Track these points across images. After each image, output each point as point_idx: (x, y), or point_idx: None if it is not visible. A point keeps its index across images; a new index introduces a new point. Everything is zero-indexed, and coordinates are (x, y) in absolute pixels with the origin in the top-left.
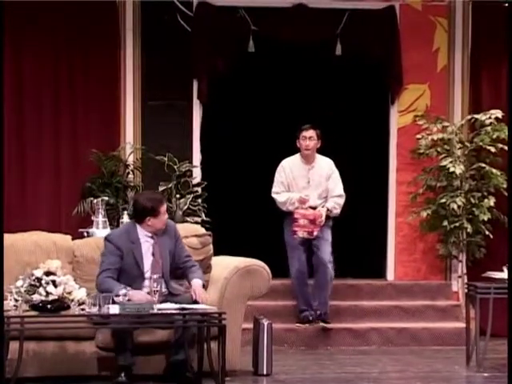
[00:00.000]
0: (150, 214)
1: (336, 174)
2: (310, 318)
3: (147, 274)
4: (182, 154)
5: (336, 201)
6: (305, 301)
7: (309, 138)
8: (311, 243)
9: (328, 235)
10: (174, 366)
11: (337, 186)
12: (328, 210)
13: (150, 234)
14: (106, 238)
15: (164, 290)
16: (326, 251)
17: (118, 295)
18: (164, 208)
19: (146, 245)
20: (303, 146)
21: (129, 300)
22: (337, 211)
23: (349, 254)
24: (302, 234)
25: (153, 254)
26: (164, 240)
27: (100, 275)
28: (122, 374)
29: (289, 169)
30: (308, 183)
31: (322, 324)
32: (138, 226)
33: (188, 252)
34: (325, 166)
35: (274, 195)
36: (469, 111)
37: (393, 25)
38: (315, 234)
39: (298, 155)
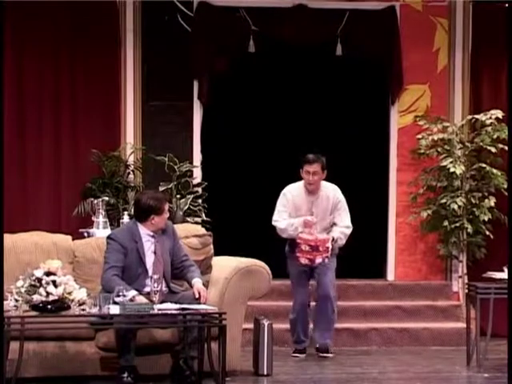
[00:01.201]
0: (154, 213)
1: (342, 203)
2: (306, 351)
3: (150, 272)
4: (182, 154)
5: (343, 231)
6: (304, 332)
7: (312, 173)
8: (314, 271)
9: (332, 264)
10: (179, 364)
11: (344, 218)
12: (333, 239)
13: (151, 233)
14: (110, 237)
15: (165, 288)
16: (328, 282)
17: (124, 295)
18: (167, 206)
19: (148, 244)
20: (306, 181)
21: (131, 301)
22: (342, 242)
23: (349, 255)
24: (304, 260)
25: (154, 253)
26: (164, 239)
27: (106, 273)
28: (125, 374)
29: (291, 196)
30: (312, 217)
31: (321, 354)
32: (139, 225)
33: (186, 252)
34: (330, 196)
35: (274, 223)
36: (469, 111)
37: (393, 25)
38: (317, 261)
39: (301, 184)
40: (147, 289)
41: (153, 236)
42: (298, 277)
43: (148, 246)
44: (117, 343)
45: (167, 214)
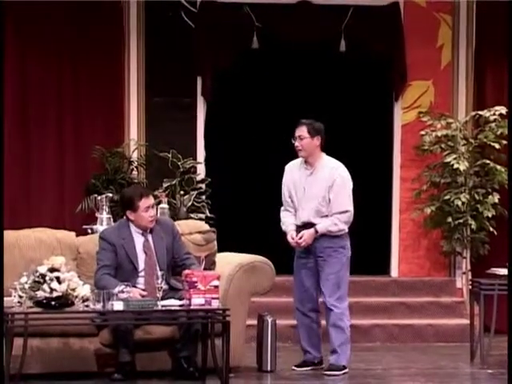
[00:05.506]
0: (128, 208)
1: (338, 183)
2: (315, 361)
3: (142, 271)
4: (186, 151)
5: (333, 220)
6: (307, 341)
7: (298, 136)
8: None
9: (332, 267)
10: (180, 362)
11: (336, 201)
12: (316, 231)
13: (140, 231)
14: (100, 235)
15: (165, 286)
16: (326, 289)
17: (128, 292)
18: (145, 203)
19: (139, 242)
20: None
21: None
22: (332, 228)
23: (353, 251)
24: (186, 301)
25: (145, 252)
26: (159, 237)
27: (97, 272)
28: (118, 373)
29: (290, 174)
30: (304, 193)
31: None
32: (130, 223)
33: (187, 250)
34: (327, 173)
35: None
36: (473, 108)
37: (397, 21)
38: (196, 302)
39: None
40: (140, 286)
41: (142, 234)
42: (295, 270)
43: (140, 244)
44: (115, 339)
45: (148, 213)
